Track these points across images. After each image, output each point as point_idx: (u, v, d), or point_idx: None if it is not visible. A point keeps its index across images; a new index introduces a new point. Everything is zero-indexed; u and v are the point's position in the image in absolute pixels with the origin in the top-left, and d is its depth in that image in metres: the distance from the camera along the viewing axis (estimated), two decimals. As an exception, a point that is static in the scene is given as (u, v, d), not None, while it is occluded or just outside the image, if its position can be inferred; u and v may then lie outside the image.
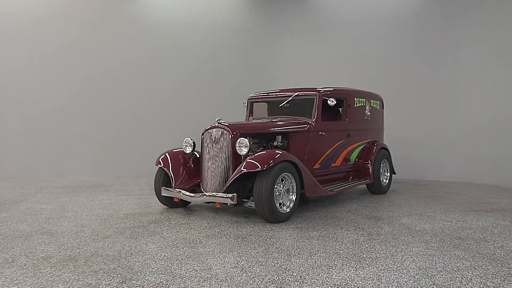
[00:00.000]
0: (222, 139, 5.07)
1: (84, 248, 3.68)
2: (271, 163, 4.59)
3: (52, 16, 9.18)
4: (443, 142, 8.90)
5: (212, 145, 5.14)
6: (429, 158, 9.03)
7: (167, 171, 5.34)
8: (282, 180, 4.83)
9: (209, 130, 5.21)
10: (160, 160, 5.51)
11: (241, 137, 5.01)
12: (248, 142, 4.84)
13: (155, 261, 3.29)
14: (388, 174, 7.23)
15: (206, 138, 5.22)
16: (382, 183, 6.98)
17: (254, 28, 10.50)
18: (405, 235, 4.17)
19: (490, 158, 8.35)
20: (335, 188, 5.87)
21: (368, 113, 6.94)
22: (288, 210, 4.81)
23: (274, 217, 4.62)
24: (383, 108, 7.53)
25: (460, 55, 8.72)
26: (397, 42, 9.36)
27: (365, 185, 6.84)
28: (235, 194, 4.65)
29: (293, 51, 10.48)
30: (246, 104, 6.78)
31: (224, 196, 4.68)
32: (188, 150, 5.48)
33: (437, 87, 8.98)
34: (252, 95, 6.71)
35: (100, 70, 9.46)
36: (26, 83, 9.09)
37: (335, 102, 5.77)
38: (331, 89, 6.15)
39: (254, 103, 6.71)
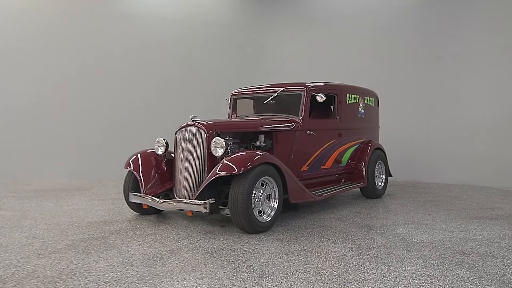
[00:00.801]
0: (196, 138, 4.53)
1: (22, 266, 3.13)
2: (248, 166, 4.05)
3: (28, 10, 8.63)
4: (443, 142, 8.37)
5: (186, 146, 4.59)
6: (428, 159, 8.50)
7: (136, 175, 4.80)
8: (262, 184, 4.30)
9: (183, 129, 4.67)
10: (130, 161, 4.97)
11: (217, 136, 4.47)
12: (224, 142, 4.30)
13: (98, 285, 2.74)
14: (384, 177, 6.70)
15: (179, 137, 4.67)
16: (377, 186, 6.44)
17: (244, 22, 9.96)
18: (400, 249, 3.62)
19: (493, 159, 7.83)
20: (325, 193, 5.33)
21: (362, 111, 6.40)
22: (268, 218, 4.27)
23: (252, 227, 4.08)
24: (378, 105, 6.99)
25: (461, 50, 8.20)
26: (394, 37, 8.83)
27: (358, 188, 6.31)
28: (208, 201, 4.11)
29: (285, 46, 9.94)
30: (229, 101, 6.24)
31: (196, 203, 4.14)
32: (160, 151, 4.93)
33: (436, 84, 8.45)
34: (235, 91, 6.17)
35: (82, 67, 8.91)
36: (3, 82, 8.54)
37: (325, 98, 5.22)
38: (321, 84, 5.61)
39: (237, 100, 6.17)
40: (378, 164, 6.55)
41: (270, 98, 5.60)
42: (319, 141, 5.52)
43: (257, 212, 4.19)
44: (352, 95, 6.14)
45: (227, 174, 4.00)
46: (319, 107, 6.03)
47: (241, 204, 3.95)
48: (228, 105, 6.22)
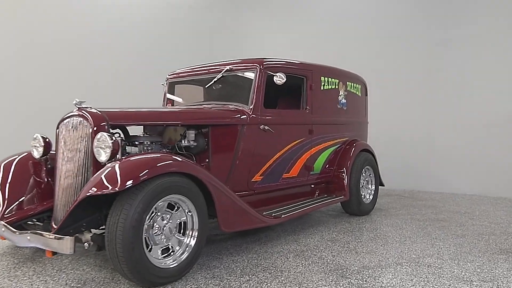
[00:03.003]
0: (79, 134, 2.97)
1: None
2: (142, 177, 2.50)
3: None
4: (447, 142, 6.78)
5: (67, 144, 3.04)
6: (430, 164, 6.93)
7: (-3, 189, 3.25)
8: (173, 207, 2.74)
9: (66, 121, 3.11)
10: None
11: (108, 131, 2.91)
12: (111, 142, 2.73)
13: None
14: (373, 187, 5.15)
15: (61, 132, 3.13)
16: (364, 200, 4.89)
17: (216, 2, 8.43)
18: (383, 327, 2.07)
19: (509, 164, 6.26)
20: (286, 213, 3.76)
21: (343, 100, 4.84)
22: (174, 264, 2.68)
23: (142, 279, 2.51)
24: (366, 94, 5.44)
25: (471, 31, 6.63)
26: (388, 17, 7.30)
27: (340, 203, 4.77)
28: (73, 237, 2.52)
29: (263, 29, 8.41)
30: (165, 87, 4.69)
31: (55, 238, 2.56)
32: (37, 153, 3.37)
33: (441, 72, 6.90)
34: (173, 72, 4.62)
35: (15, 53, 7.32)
36: None
37: (285, 79, 3.68)
38: (283, 61, 4.07)
39: (176, 85, 4.62)
40: (365, 171, 5.01)
41: (213, 81, 4.05)
42: (279, 140, 3.97)
43: (158, 253, 2.63)
44: (329, 79, 4.59)
45: (98, 193, 2.44)
46: (289, 96, 4.54)
47: (121, 241, 2.39)
48: (164, 92, 4.67)
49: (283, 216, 3.67)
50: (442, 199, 6.11)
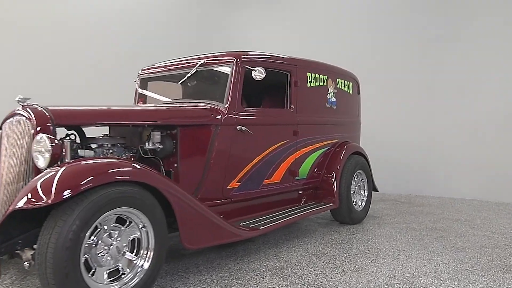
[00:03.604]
0: (22, 129, 2.58)
1: None
2: (82, 186, 2.10)
3: None
4: (446, 144, 6.40)
5: (8, 148, 2.65)
6: (428, 166, 6.54)
7: None
8: (121, 221, 2.34)
9: (9, 120, 2.71)
10: None
11: (51, 132, 2.50)
12: (51, 145, 2.32)
13: None
14: (366, 193, 4.76)
15: (5, 130, 2.73)
16: (355, 207, 4.49)
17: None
18: None
19: (511, 167, 5.88)
20: (265, 224, 3.36)
21: (333, 99, 4.44)
22: (120, 290, 2.28)
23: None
24: (358, 93, 5.04)
25: (467, 28, 6.27)
26: (383, 11, 6.91)
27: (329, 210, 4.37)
28: (18, 251, 2.17)
29: (253, 25, 8.01)
30: (137, 84, 4.30)
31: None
32: (-23, 156, 2.97)
33: (438, 71, 6.52)
34: (145, 68, 4.22)
35: None
36: None
37: (265, 74, 3.29)
38: (263, 55, 3.67)
39: (148, 82, 4.22)
40: (357, 175, 4.61)
41: (186, 77, 3.66)
42: (259, 143, 3.57)
43: (103, 276, 2.23)
44: (317, 75, 4.19)
45: (28, 206, 2.04)
46: (274, 94, 4.16)
47: (52, 265, 1.99)
48: (135, 90, 4.27)
49: (261, 227, 3.27)
50: (440, 204, 5.72)
